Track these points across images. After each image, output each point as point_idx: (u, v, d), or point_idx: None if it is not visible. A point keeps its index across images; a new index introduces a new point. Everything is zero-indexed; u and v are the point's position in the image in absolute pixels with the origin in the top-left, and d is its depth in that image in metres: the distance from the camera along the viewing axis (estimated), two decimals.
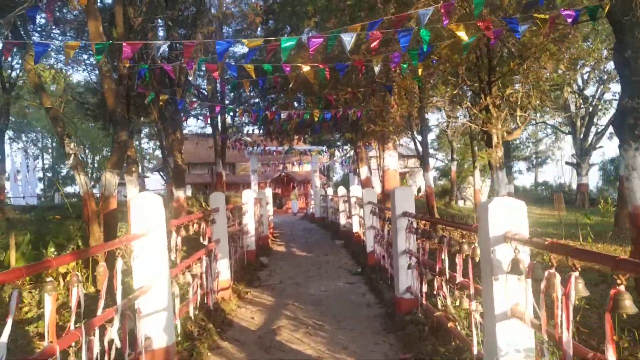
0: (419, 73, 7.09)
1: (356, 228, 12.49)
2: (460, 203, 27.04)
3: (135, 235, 4.10)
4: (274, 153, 22.10)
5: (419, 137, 10.76)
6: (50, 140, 44.88)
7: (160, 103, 9.04)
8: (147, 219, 4.19)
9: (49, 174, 46.61)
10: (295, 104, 16.29)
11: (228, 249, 7.53)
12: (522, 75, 7.04)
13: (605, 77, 23.45)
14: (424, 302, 5.31)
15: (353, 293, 7.80)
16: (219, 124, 16.72)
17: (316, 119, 11.22)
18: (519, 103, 7.45)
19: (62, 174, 44.87)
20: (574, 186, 43.42)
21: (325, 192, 20.11)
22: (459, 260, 4.25)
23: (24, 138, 44.48)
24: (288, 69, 6.90)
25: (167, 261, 4.37)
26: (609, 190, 40.31)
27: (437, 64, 7.38)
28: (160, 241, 4.28)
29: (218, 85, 15.41)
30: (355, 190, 12.50)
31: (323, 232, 18.04)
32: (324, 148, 21.95)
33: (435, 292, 4.97)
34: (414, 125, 11.12)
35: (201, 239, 6.22)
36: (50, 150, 46.21)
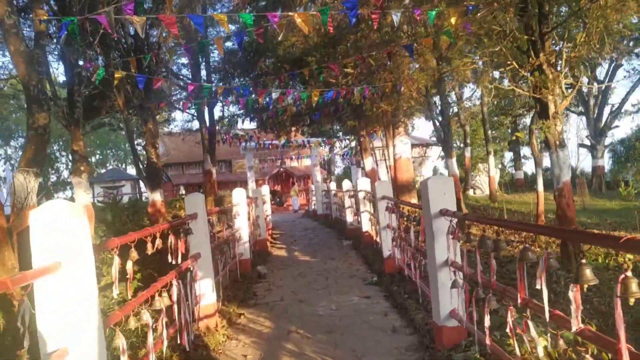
0: (453, 22, 5.50)
1: (366, 226, 10.92)
2: (470, 192, 25.47)
3: (37, 271, 2.53)
4: (270, 147, 20.28)
5: (438, 118, 9.24)
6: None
7: (115, 81, 7.36)
8: (59, 244, 2.62)
9: None
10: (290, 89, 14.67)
11: (212, 264, 5.96)
12: (592, 19, 5.44)
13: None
14: (484, 335, 3.74)
15: (372, 312, 6.22)
16: (207, 117, 15.08)
17: (315, 99, 9.59)
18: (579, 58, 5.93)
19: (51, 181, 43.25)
20: (587, 169, 41.96)
21: (328, 187, 18.54)
22: (540, 280, 2.70)
23: None
24: (276, 18, 5.25)
25: (94, 304, 2.80)
26: (622, 173, 38.83)
27: (475, 10, 5.77)
28: (83, 275, 2.71)
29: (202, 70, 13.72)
30: (364, 183, 10.92)
31: (327, 230, 16.47)
32: (323, 140, 20.13)
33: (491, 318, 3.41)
34: (432, 103, 9.54)
35: (169, 257, 4.65)
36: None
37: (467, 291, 4.06)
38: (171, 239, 4.62)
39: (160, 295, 4.02)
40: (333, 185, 17.77)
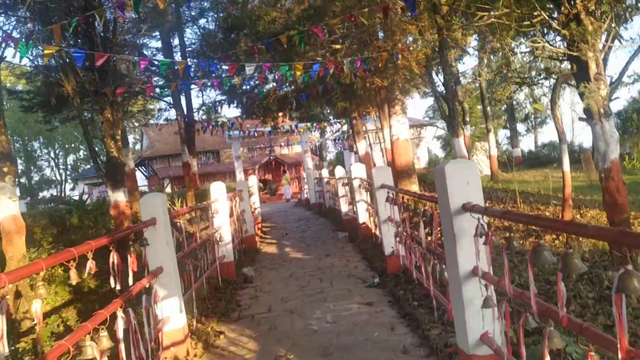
0: None
1: (363, 218, 9.87)
2: None
3: None
4: (256, 134, 19.02)
5: (440, 90, 8.15)
6: (20, 141, 41.77)
7: (45, 58, 6.14)
8: None
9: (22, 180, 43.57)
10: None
11: (181, 277, 4.90)
12: None
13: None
14: None
15: (376, 325, 5.19)
16: (184, 104, 13.86)
17: (299, 74, 8.46)
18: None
19: (35, 179, 41.90)
20: (586, 145, 41.14)
21: (320, 174, 17.46)
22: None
23: None
24: None
25: None
26: (621, 146, 37.98)
27: None
28: None
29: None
30: (358, 169, 9.85)
31: (321, 221, 15.43)
32: (312, 124, 18.91)
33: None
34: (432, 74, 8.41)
35: (112, 281, 3.57)
36: (21, 155, 43.10)
37: (507, 313, 3.02)
38: (113, 256, 3.54)
39: (92, 337, 2.96)
40: (325, 173, 16.69)
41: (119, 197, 8.01)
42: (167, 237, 4.62)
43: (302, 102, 17.45)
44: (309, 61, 8.79)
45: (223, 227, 7.90)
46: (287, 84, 16.82)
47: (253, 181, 15.72)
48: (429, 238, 5.03)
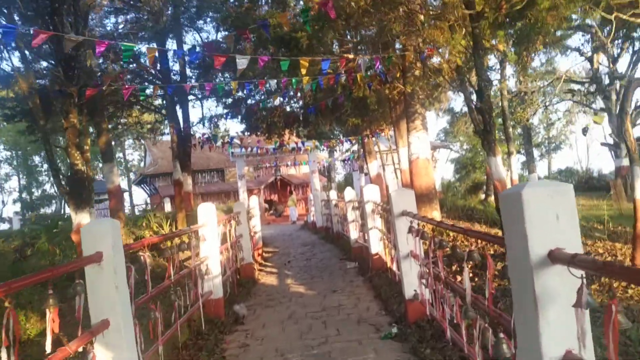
0: None
1: (376, 247, 8.60)
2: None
3: None
4: (259, 151, 17.76)
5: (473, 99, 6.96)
6: (21, 156, 40.92)
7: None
8: None
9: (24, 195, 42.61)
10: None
11: (136, 332, 3.67)
12: None
13: None
14: None
15: None
16: (181, 116, 12.67)
17: (306, 81, 7.33)
18: None
19: (36, 195, 40.92)
20: (604, 171, 39.70)
21: (328, 196, 16.23)
22: None
23: None
24: None
25: None
26: None
27: None
28: None
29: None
30: (371, 192, 8.62)
31: (328, 247, 14.15)
32: (320, 141, 17.55)
33: None
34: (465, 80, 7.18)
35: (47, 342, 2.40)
36: (21, 169, 42.16)
37: None
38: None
39: None
40: (333, 194, 15.46)
41: (83, 219, 6.78)
42: (117, 279, 3.38)
43: (310, 119, 16.34)
44: (317, 57, 7.62)
45: (211, 256, 6.66)
46: (294, 99, 15.78)
47: (255, 202, 14.52)
48: (471, 283, 3.78)
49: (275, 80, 8.17)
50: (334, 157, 26.52)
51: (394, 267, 7.00)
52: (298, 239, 18.06)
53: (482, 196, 19.84)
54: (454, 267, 6.44)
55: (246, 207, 10.35)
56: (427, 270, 4.77)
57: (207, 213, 6.73)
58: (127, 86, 7.27)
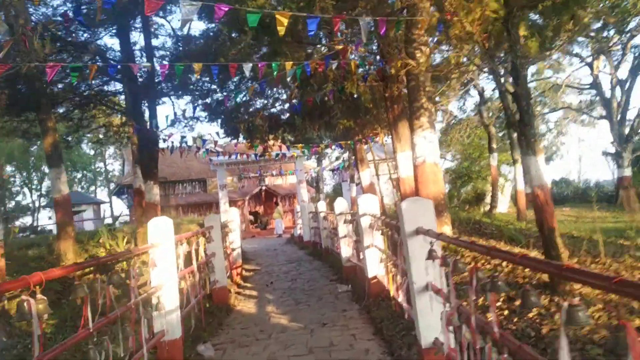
0: None
1: (374, 269, 7.14)
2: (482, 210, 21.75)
3: None
4: (239, 157, 16.09)
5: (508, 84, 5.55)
6: None
7: None
8: None
9: None
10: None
11: None
12: None
13: None
14: None
15: None
16: (147, 116, 11.12)
17: (288, 69, 5.90)
18: None
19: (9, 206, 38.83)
20: (601, 181, 38.79)
21: (316, 208, 14.78)
22: None
23: None
24: None
25: None
26: None
27: None
28: None
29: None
30: (368, 203, 7.18)
31: (316, 265, 12.66)
32: (308, 146, 15.90)
33: None
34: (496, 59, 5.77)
35: None
36: None
37: None
38: None
39: None
40: (322, 206, 14.00)
41: None
42: None
43: (296, 122, 14.91)
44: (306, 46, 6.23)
45: (166, 286, 5.16)
46: (278, 99, 14.38)
47: (234, 215, 13.02)
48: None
49: (251, 65, 6.73)
50: (322, 166, 25.09)
51: (400, 298, 5.55)
52: (283, 254, 16.54)
53: (486, 208, 18.55)
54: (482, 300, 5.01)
55: (221, 221, 8.84)
56: (452, 310, 3.32)
57: (161, 229, 5.23)
58: (51, 64, 5.79)
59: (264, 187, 30.73)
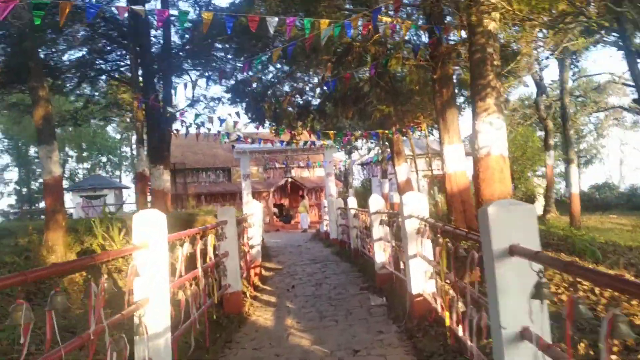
0: None
1: (420, 285, 5.78)
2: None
3: None
4: (262, 143, 14.67)
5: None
6: (24, 146, 38.72)
7: None
8: None
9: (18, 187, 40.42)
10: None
11: None
12: None
13: None
14: None
15: None
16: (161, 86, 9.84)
17: (323, 28, 4.60)
18: None
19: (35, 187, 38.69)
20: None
21: (346, 205, 13.47)
22: None
23: None
24: None
25: None
26: None
27: None
28: None
29: None
30: (415, 202, 5.82)
31: (344, 268, 11.34)
32: (341, 134, 14.29)
33: None
34: None
35: None
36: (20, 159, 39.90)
37: None
38: None
39: None
40: (352, 202, 12.66)
41: None
42: None
43: (327, 109, 13.59)
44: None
45: (153, 300, 3.93)
46: (309, 82, 13.07)
47: (256, 207, 11.81)
48: None
49: (276, 20, 5.45)
50: (352, 159, 23.65)
51: (460, 331, 4.20)
52: (307, 252, 15.29)
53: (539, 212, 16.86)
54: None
55: (243, 214, 7.59)
56: None
57: (149, 226, 3.99)
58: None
59: (290, 179, 29.54)
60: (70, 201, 30.85)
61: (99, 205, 27.75)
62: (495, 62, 5.99)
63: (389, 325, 6.16)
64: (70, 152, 41.85)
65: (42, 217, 30.21)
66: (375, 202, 8.66)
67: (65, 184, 39.23)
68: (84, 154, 41.90)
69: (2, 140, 36.68)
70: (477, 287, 3.77)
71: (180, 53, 11.71)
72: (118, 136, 42.14)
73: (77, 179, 38.80)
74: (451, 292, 4.59)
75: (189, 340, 4.97)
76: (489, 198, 5.90)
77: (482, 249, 3.06)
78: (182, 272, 4.91)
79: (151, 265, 3.95)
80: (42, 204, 37.87)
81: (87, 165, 42.96)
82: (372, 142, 30.71)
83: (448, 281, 4.64)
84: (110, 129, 41.59)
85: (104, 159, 42.59)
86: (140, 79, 9.86)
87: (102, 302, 3.09)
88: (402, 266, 6.71)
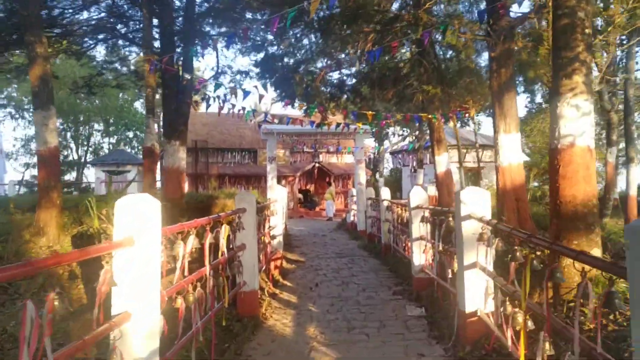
0: None
1: (475, 302, 4.69)
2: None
3: None
4: (290, 123, 13.49)
5: None
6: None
7: None
8: None
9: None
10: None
11: None
12: None
13: None
14: None
15: None
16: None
17: None
18: None
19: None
20: None
21: (378, 195, 12.39)
22: None
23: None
24: None
25: None
26: None
27: None
28: None
29: None
30: (474, 200, 4.72)
31: (372, 265, 10.31)
32: (378, 115, 12.90)
33: None
34: None
35: None
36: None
37: None
38: None
39: None
40: (386, 192, 11.57)
41: None
42: None
43: (363, 92, 12.46)
44: None
45: (136, 314, 2.96)
46: (346, 62, 11.96)
47: (280, 193, 10.86)
48: None
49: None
50: (385, 146, 22.38)
51: None
52: (333, 243, 14.31)
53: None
54: None
55: (254, 203, 6.59)
56: None
57: (136, 215, 3.02)
58: None
59: (317, 164, 28.51)
60: (94, 176, 30.53)
61: (121, 181, 27.22)
62: (587, 30, 4.82)
63: (432, 347, 5.11)
64: (97, 126, 41.55)
65: (84, 189, 29.98)
66: (417, 195, 7.57)
67: (89, 158, 39.00)
68: (110, 128, 41.55)
69: (30, 111, 36.48)
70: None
71: (205, 13, 10.68)
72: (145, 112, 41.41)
73: (101, 154, 38.53)
74: (519, 315, 3.52)
75: (190, 353, 4.05)
76: (571, 200, 4.75)
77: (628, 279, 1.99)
78: (185, 272, 3.97)
79: (137, 269, 2.99)
80: (68, 177, 37.83)
81: (112, 140, 42.65)
82: (404, 130, 29.33)
83: (515, 301, 3.55)
84: (138, 104, 41.07)
85: (131, 134, 42.23)
86: (158, 43, 8.97)
87: (49, 329, 2.12)
88: (449, 274, 5.64)
